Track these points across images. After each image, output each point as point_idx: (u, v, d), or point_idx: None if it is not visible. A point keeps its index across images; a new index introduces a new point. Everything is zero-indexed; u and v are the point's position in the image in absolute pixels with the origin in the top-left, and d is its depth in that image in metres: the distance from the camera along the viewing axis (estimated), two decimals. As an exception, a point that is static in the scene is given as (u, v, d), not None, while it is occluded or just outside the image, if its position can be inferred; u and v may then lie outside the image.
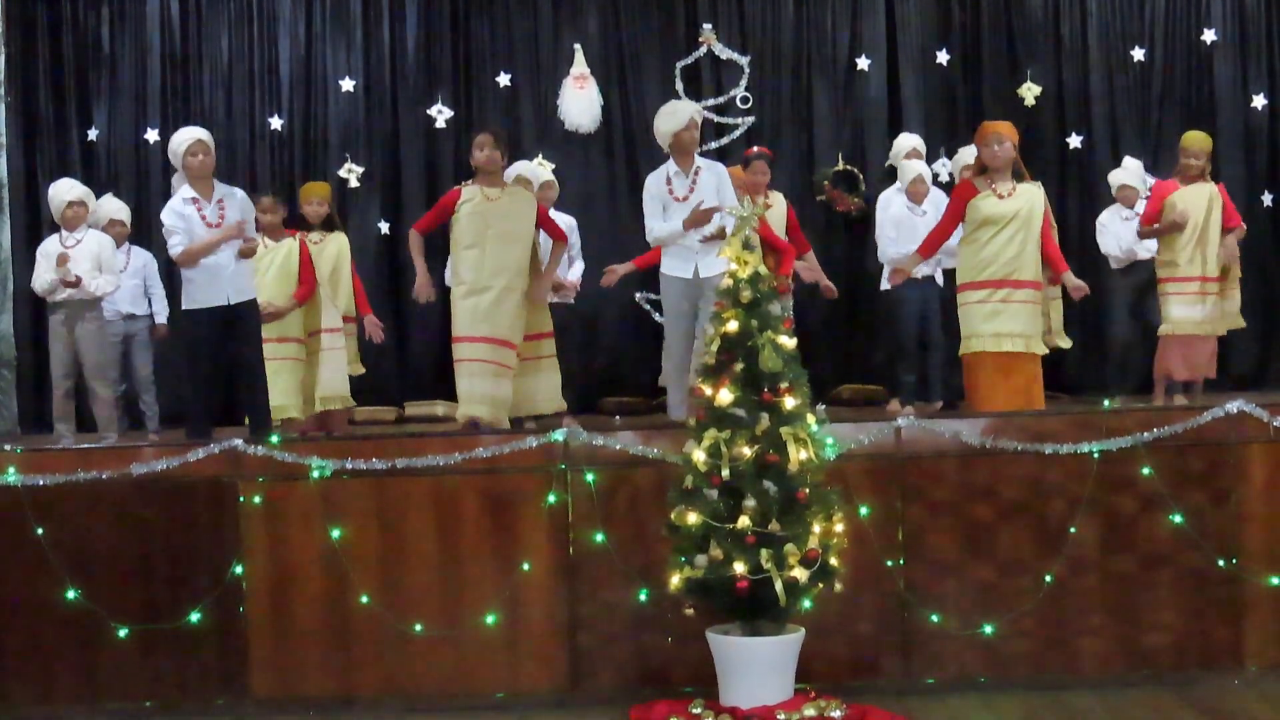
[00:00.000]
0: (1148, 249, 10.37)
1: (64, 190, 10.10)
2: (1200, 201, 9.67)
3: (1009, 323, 8.61)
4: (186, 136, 8.69)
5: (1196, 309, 9.66)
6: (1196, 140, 9.85)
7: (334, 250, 10.09)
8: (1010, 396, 8.54)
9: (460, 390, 8.76)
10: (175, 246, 8.59)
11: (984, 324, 8.65)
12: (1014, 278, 8.65)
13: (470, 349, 8.71)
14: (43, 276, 9.77)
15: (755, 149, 10.87)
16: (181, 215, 8.60)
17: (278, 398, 9.25)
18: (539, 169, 11.14)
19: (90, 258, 9.88)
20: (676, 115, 8.82)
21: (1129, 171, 10.94)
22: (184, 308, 8.70)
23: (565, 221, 10.49)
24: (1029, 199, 8.73)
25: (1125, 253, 10.73)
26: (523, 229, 8.92)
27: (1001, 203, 8.68)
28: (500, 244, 8.77)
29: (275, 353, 9.33)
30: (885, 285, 10.72)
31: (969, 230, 8.82)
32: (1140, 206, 10.65)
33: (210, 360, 8.67)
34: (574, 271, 10.70)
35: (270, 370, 9.14)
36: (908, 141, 11.49)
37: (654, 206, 8.81)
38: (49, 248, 9.90)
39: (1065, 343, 9.26)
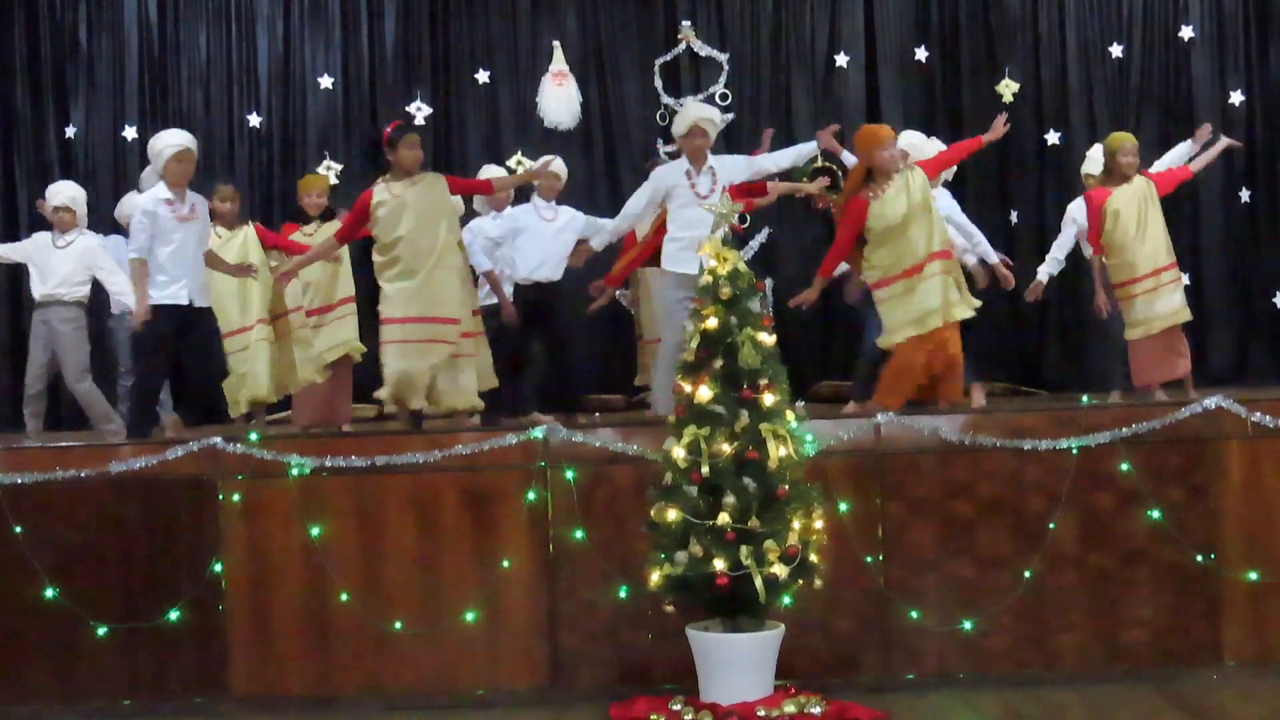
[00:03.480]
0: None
1: (51, 193, 10.23)
2: (1135, 199, 9.55)
3: (928, 300, 8.49)
4: (176, 142, 8.72)
5: (1159, 303, 9.55)
6: (1128, 139, 9.74)
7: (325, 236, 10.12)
8: (944, 370, 8.50)
9: (398, 370, 8.49)
10: (139, 253, 8.58)
11: (905, 313, 8.54)
12: (924, 259, 8.53)
13: (395, 330, 8.53)
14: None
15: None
16: (153, 214, 8.58)
17: (263, 381, 9.32)
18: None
19: (74, 263, 10.04)
20: (680, 121, 8.92)
21: (1093, 161, 10.87)
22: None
23: (567, 216, 10.34)
24: (910, 184, 8.59)
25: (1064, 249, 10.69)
26: (440, 207, 8.69)
27: (893, 202, 8.55)
28: (422, 230, 8.55)
29: (249, 339, 9.38)
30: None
31: (875, 239, 8.66)
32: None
33: (163, 359, 8.72)
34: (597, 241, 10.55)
35: (252, 355, 9.24)
36: (905, 139, 11.30)
37: (645, 195, 8.94)
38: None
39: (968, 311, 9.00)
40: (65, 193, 10.33)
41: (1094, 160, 10.74)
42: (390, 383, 8.50)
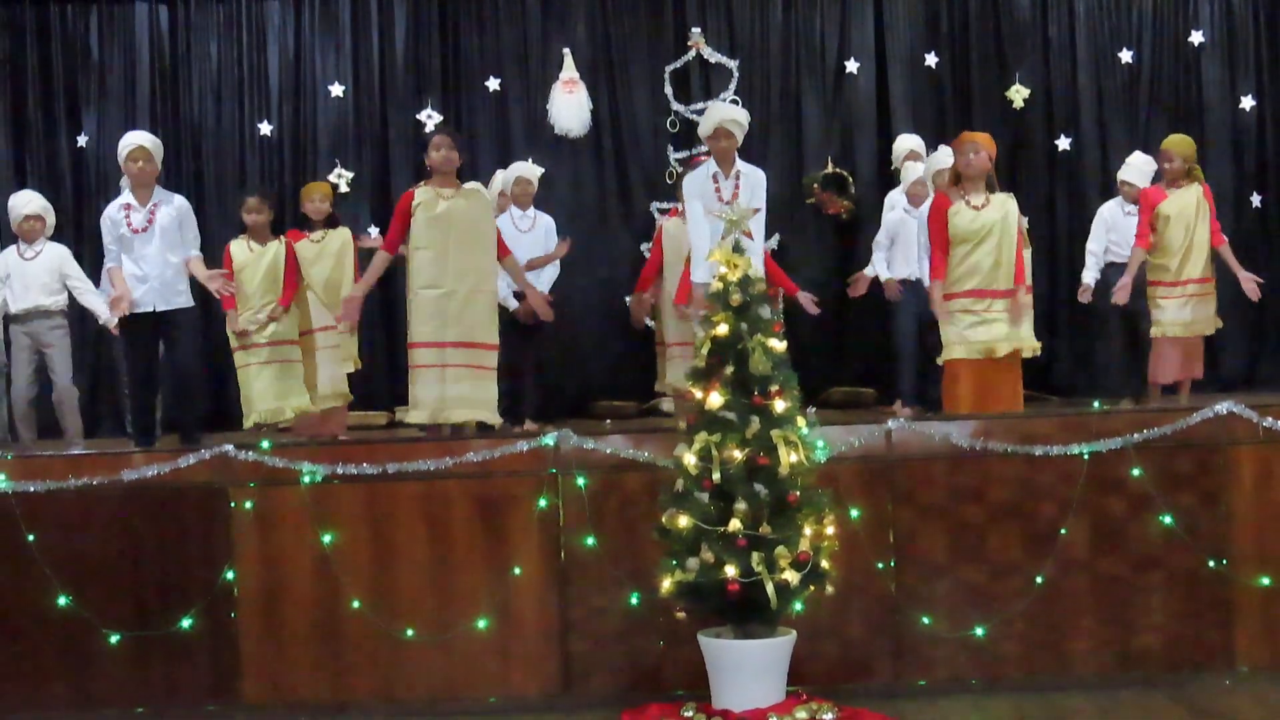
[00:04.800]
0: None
1: (21, 203, 10.27)
2: (1189, 204, 9.74)
3: (992, 330, 8.62)
4: (129, 142, 8.86)
5: (1187, 311, 9.72)
6: (1177, 144, 9.93)
7: (336, 247, 10.11)
8: (992, 403, 8.55)
9: (428, 395, 8.59)
10: (109, 261, 8.83)
11: (968, 331, 8.65)
12: (994, 288, 8.65)
13: (425, 354, 8.59)
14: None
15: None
16: (113, 220, 8.78)
17: (270, 401, 9.33)
18: (531, 167, 11.22)
19: (48, 271, 10.09)
20: (706, 122, 8.96)
21: (1131, 168, 10.91)
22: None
23: (544, 223, 10.61)
24: (1003, 209, 8.72)
25: (1110, 248, 10.76)
26: (483, 230, 8.78)
27: (977, 215, 8.67)
28: (461, 247, 8.60)
29: (271, 355, 9.40)
30: (859, 292, 10.92)
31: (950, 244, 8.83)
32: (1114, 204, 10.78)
33: (143, 367, 8.92)
34: (545, 278, 10.68)
35: (264, 374, 9.24)
36: (906, 143, 11.40)
37: (695, 206, 8.83)
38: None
39: (1035, 347, 9.08)
40: (37, 202, 10.43)
41: (1132, 167, 10.77)
42: (418, 408, 8.58)
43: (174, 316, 8.77)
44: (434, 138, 8.88)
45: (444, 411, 8.54)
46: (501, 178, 11.06)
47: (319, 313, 9.77)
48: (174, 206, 8.83)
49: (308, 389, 9.68)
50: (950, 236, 8.73)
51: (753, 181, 8.85)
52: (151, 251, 8.69)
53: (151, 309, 8.69)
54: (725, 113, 9.01)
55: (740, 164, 8.87)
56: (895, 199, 11.05)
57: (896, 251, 10.69)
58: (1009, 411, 8.47)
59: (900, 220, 10.63)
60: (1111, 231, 10.74)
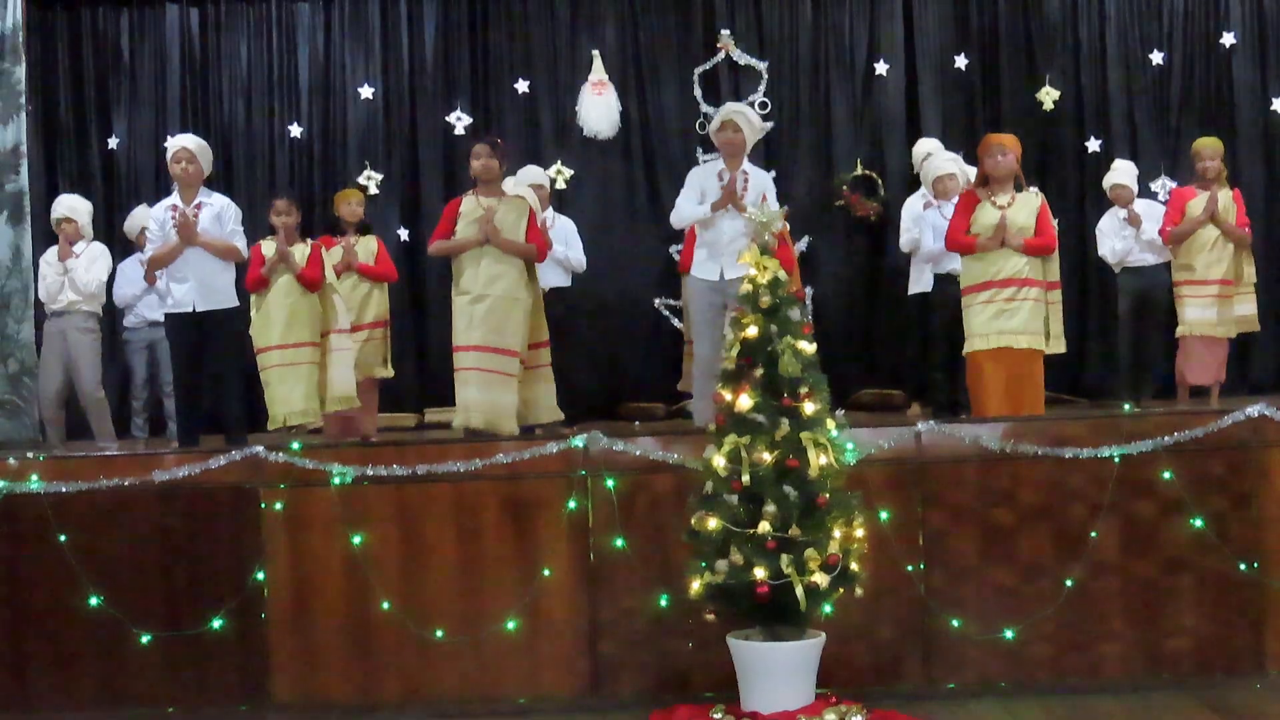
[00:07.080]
0: (1157, 253, 10.44)
1: (54, 206, 10.45)
2: (1219, 205, 9.74)
3: (1013, 321, 8.65)
4: (174, 144, 9.09)
5: (1212, 311, 9.70)
6: (1208, 145, 9.92)
7: (367, 252, 10.16)
8: (1013, 397, 8.56)
9: (458, 399, 8.75)
10: (148, 250, 9.12)
11: (990, 323, 8.67)
12: (1019, 277, 8.69)
13: (466, 357, 8.69)
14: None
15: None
16: (159, 221, 8.99)
17: (297, 403, 9.32)
18: (541, 172, 11.24)
19: (83, 273, 10.18)
20: (716, 117, 9.04)
21: (1119, 171, 10.93)
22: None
23: (562, 226, 10.61)
24: (1028, 207, 8.78)
25: (1120, 255, 10.75)
26: (514, 233, 8.82)
27: (1000, 213, 8.73)
28: (494, 254, 8.70)
29: (294, 357, 9.39)
30: (913, 289, 10.87)
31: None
32: (1138, 206, 10.76)
33: (187, 366, 9.02)
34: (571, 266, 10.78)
35: (287, 375, 9.25)
36: (925, 146, 11.40)
37: (692, 192, 8.88)
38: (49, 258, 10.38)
39: (1060, 347, 9.13)
40: (64, 204, 10.51)
41: (1119, 171, 10.79)
42: (456, 411, 8.67)
43: (214, 316, 8.89)
44: (474, 147, 9.00)
45: (466, 415, 8.64)
46: (512, 184, 11.03)
47: (341, 316, 9.79)
48: (216, 206, 9.00)
49: (321, 390, 9.69)
50: (973, 231, 8.81)
51: (759, 183, 8.88)
52: (193, 252, 8.85)
53: (191, 309, 8.84)
54: (736, 106, 9.19)
55: (747, 165, 8.92)
56: (914, 204, 10.96)
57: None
58: (1019, 407, 8.49)
59: (932, 213, 10.52)
60: (1116, 240, 10.75)
